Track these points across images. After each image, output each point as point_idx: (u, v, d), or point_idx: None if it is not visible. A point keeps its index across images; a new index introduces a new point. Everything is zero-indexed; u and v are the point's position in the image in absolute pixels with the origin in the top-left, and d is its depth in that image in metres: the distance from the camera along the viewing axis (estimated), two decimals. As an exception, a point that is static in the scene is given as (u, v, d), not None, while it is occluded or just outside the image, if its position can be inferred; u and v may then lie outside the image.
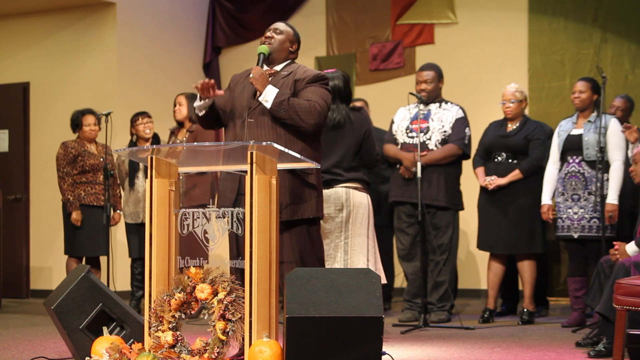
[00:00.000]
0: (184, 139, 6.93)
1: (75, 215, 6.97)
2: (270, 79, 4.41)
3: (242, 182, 4.34)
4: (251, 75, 4.35)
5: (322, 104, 4.35)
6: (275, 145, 3.86)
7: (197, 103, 4.49)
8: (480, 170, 6.59)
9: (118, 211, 7.24)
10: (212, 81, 4.41)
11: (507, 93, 6.55)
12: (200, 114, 4.51)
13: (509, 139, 6.50)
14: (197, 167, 4.49)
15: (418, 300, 6.41)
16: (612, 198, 6.00)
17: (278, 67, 4.51)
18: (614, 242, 5.13)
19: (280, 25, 4.58)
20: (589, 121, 6.15)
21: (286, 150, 3.92)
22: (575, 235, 6.15)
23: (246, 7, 9.72)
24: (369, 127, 5.67)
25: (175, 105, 7.11)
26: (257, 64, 4.43)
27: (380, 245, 7.64)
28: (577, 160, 6.15)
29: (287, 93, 4.32)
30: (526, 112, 6.84)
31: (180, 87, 8.65)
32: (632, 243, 5.01)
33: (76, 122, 7.16)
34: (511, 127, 6.56)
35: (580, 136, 6.14)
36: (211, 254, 4.19)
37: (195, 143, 4.35)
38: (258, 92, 4.36)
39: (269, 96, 4.30)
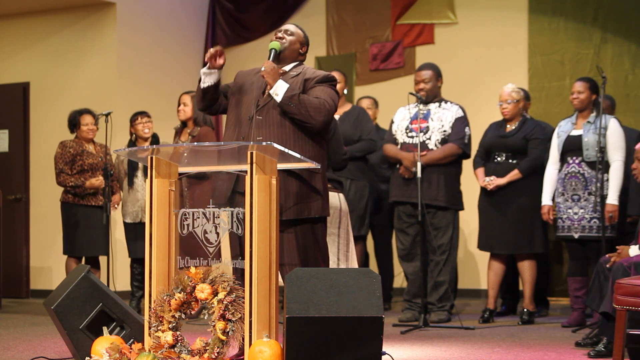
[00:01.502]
0: (187, 140, 6.91)
1: (95, 182, 6.94)
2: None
3: (239, 180, 4.35)
4: (262, 69, 4.35)
5: (330, 103, 4.36)
6: (275, 145, 3.87)
7: (204, 70, 4.45)
8: (480, 171, 6.60)
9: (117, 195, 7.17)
10: (220, 48, 4.41)
11: (503, 94, 6.55)
12: (204, 85, 4.46)
13: (507, 139, 6.51)
14: (197, 168, 4.49)
15: (418, 300, 6.41)
16: (612, 198, 6.00)
17: (287, 68, 4.51)
18: (617, 247, 5.11)
19: (291, 26, 4.59)
20: (589, 122, 6.15)
21: (286, 150, 3.92)
22: (576, 236, 6.15)
23: (246, 7, 9.72)
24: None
25: (179, 105, 7.07)
26: (269, 59, 4.43)
27: (381, 245, 7.69)
28: (577, 161, 6.15)
29: (297, 90, 4.33)
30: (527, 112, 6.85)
31: (180, 87, 8.65)
32: (637, 247, 5.00)
33: (74, 122, 7.15)
34: (510, 127, 6.56)
35: (579, 137, 6.14)
36: (218, 254, 4.19)
37: (195, 143, 4.35)
38: (268, 86, 4.36)
39: (279, 90, 4.30)
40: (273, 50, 4.46)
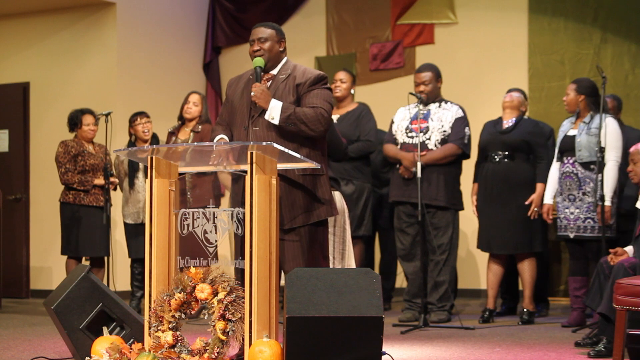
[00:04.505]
0: (189, 138, 6.91)
1: (99, 181, 6.93)
2: (269, 83, 4.41)
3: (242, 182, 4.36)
4: (252, 94, 4.33)
5: (327, 107, 4.36)
6: (275, 145, 3.87)
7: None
8: (475, 187, 6.62)
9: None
10: None
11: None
12: None
13: (505, 135, 6.49)
14: (198, 167, 4.49)
15: (418, 300, 6.41)
16: (606, 199, 5.98)
17: (274, 71, 4.50)
18: (611, 250, 5.11)
19: (261, 32, 4.48)
20: (584, 122, 6.16)
21: (286, 150, 3.92)
22: (572, 235, 6.16)
23: (246, 7, 9.72)
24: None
25: (186, 102, 7.04)
26: (256, 80, 4.39)
27: (384, 247, 7.69)
28: (571, 161, 6.16)
29: (291, 106, 4.31)
30: (527, 113, 6.86)
31: (180, 87, 8.66)
32: (631, 247, 5.01)
33: (75, 122, 7.13)
34: (507, 124, 6.54)
35: (574, 137, 6.15)
36: (217, 253, 4.20)
37: (196, 143, 4.35)
38: (258, 105, 4.35)
39: (274, 112, 4.29)
40: (258, 68, 4.40)
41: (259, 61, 4.42)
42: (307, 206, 4.32)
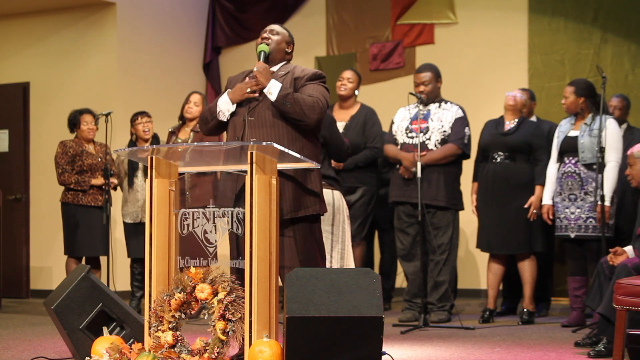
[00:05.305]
0: (189, 137, 6.91)
1: (97, 182, 6.94)
2: None
3: (241, 181, 4.34)
4: (255, 69, 4.36)
5: (323, 100, 4.37)
6: (275, 145, 3.87)
7: (228, 104, 4.43)
8: (474, 187, 6.61)
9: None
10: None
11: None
12: (225, 119, 4.44)
13: (507, 137, 6.49)
14: (197, 167, 4.49)
15: (418, 300, 6.41)
16: (606, 199, 5.98)
17: (275, 68, 4.51)
18: (611, 250, 5.11)
19: (275, 26, 4.59)
20: (585, 123, 6.15)
21: (286, 150, 3.93)
22: (572, 235, 6.16)
23: (246, 7, 9.72)
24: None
25: (187, 102, 7.05)
26: (259, 60, 4.44)
27: (384, 247, 7.69)
28: (573, 161, 6.16)
29: (290, 89, 4.34)
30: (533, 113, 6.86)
31: (181, 87, 8.66)
32: (631, 247, 5.01)
33: (74, 122, 7.15)
34: (509, 125, 6.54)
35: (576, 138, 6.15)
36: (217, 253, 4.20)
37: (195, 143, 4.35)
38: (261, 85, 4.36)
39: (273, 89, 4.32)
40: (263, 53, 4.45)
41: (264, 47, 4.47)
42: (295, 199, 4.32)
